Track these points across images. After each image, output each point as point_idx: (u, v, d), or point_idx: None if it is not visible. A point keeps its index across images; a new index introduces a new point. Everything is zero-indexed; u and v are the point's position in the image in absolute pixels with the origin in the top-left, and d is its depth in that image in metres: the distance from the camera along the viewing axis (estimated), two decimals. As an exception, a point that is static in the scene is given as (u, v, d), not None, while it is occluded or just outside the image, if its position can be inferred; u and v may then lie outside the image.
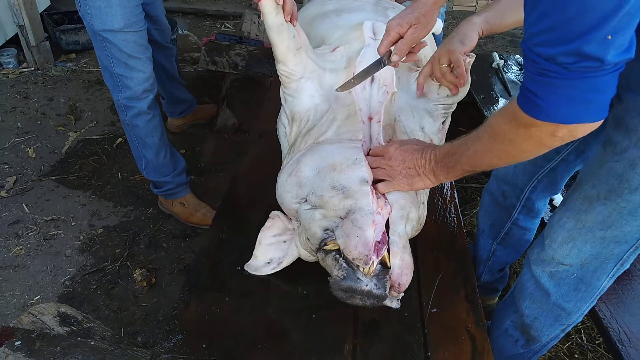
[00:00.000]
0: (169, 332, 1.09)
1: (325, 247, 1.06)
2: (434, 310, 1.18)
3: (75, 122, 2.96)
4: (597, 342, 1.79)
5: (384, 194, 1.10)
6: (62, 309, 1.43)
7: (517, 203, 1.52)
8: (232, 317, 1.13)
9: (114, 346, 1.25)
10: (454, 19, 4.53)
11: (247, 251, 1.24)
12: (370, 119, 1.25)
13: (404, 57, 1.15)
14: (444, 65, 1.22)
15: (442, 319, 1.16)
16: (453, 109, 1.33)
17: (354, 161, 1.10)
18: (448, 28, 4.23)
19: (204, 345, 1.07)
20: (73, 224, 2.28)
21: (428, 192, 1.28)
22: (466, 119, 2.87)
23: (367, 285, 0.99)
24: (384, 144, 1.19)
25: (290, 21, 1.21)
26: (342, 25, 1.41)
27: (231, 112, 2.88)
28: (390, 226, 1.07)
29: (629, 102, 0.96)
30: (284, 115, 1.34)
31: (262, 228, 1.25)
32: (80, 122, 2.96)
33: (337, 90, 1.23)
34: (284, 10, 1.18)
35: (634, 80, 0.95)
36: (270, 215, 1.26)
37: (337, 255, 1.03)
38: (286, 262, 1.19)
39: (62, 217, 2.31)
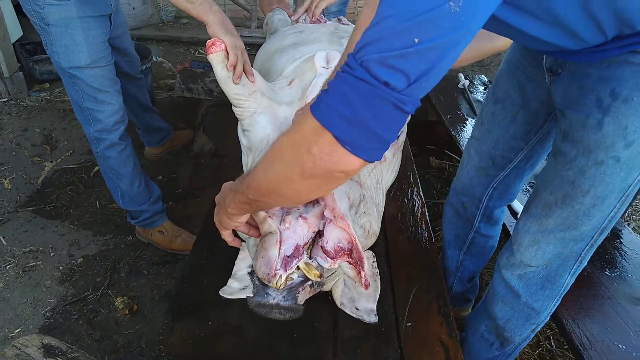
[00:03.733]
0: (155, 358, 1.13)
1: (252, 270, 1.15)
2: (409, 324, 1.24)
3: (51, 152, 2.96)
4: (565, 347, 1.88)
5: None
6: (46, 340, 1.44)
7: (477, 212, 1.62)
8: (215, 340, 1.17)
9: (100, 374, 1.27)
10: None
11: (229, 275, 1.29)
12: None
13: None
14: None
15: (416, 332, 1.23)
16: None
17: None
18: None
19: (189, 368, 1.11)
20: (52, 254, 2.28)
21: (372, 202, 1.28)
22: (434, 136, 3.00)
23: (274, 299, 1.06)
24: None
25: (245, 74, 1.26)
26: (298, 57, 1.46)
27: (207, 137, 2.93)
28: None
29: (572, 118, 1.07)
30: (242, 147, 1.39)
31: (236, 260, 1.32)
32: (56, 152, 2.97)
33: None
34: (234, 73, 1.23)
35: (572, 98, 1.07)
36: (240, 247, 1.32)
37: (255, 276, 1.11)
38: None
39: (41, 248, 2.30)
